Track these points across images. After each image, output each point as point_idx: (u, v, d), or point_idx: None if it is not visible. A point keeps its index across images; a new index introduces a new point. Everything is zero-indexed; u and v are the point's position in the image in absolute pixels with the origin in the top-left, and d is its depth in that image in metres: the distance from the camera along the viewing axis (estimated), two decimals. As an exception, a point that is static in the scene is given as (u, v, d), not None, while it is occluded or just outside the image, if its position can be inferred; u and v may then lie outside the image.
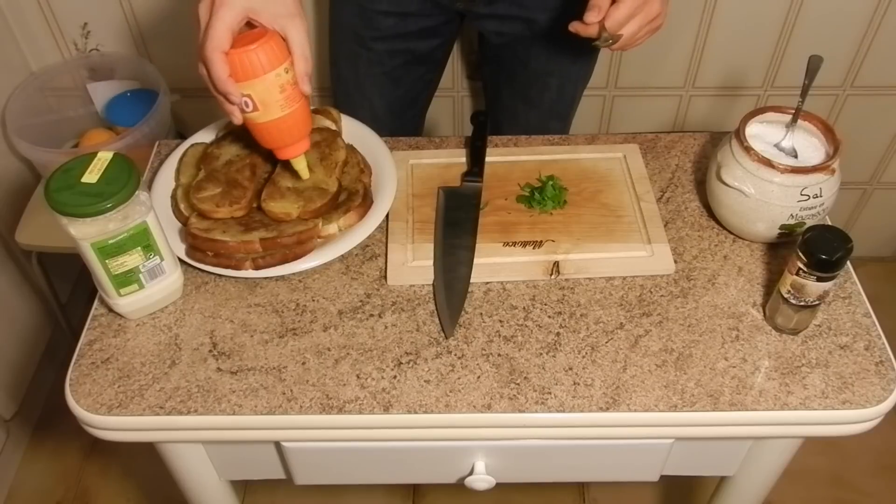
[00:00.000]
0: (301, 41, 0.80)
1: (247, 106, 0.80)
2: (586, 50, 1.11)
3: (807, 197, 0.83)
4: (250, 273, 0.86)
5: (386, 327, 0.84)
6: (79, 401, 0.78)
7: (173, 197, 0.94)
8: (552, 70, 1.20)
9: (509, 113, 1.30)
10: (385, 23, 1.16)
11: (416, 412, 0.77)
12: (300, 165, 0.88)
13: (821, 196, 0.83)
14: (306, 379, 0.79)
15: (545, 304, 0.85)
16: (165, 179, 0.96)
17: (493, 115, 1.38)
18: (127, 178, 0.75)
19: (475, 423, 0.77)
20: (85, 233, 0.75)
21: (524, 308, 0.85)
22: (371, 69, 1.22)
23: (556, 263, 0.88)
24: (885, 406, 0.77)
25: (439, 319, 0.84)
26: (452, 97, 1.65)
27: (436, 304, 0.85)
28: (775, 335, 0.83)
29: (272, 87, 0.79)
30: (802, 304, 0.78)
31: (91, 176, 0.75)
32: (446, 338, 0.82)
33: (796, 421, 0.77)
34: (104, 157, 0.77)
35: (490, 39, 1.21)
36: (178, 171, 0.97)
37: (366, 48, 1.19)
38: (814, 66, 0.84)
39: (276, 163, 0.94)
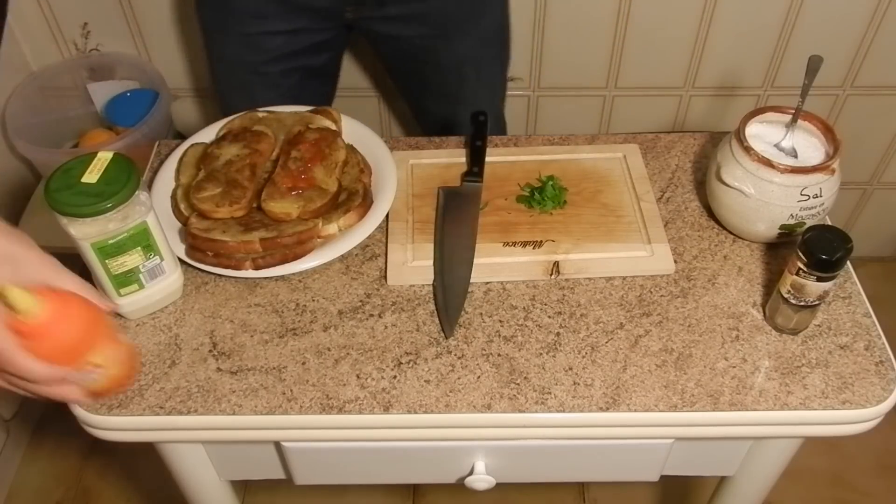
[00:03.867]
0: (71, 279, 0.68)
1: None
2: (492, 29, 1.07)
3: (807, 197, 0.83)
4: (250, 273, 0.86)
5: (386, 327, 0.84)
6: (79, 401, 0.78)
7: (173, 197, 0.94)
8: (463, 57, 1.17)
9: (439, 118, 1.27)
10: (273, 43, 1.14)
11: (416, 412, 0.77)
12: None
13: (821, 196, 0.83)
14: (306, 379, 0.79)
15: (545, 304, 0.85)
16: (165, 179, 0.96)
17: (424, 128, 1.33)
18: (127, 178, 0.75)
19: (475, 423, 0.77)
20: (85, 233, 0.75)
21: (524, 308, 0.85)
22: (266, 94, 1.19)
23: (556, 263, 0.88)
24: (885, 406, 0.77)
25: (439, 319, 0.84)
26: (452, 97, 1.64)
27: (436, 304, 0.85)
28: (775, 335, 0.83)
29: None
30: (802, 304, 0.78)
31: (91, 176, 0.75)
32: (446, 338, 0.82)
33: (796, 421, 0.77)
34: (104, 157, 0.77)
35: (391, 46, 1.19)
36: (178, 171, 0.97)
37: (258, 74, 1.17)
38: (814, 66, 0.84)
39: (276, 163, 0.94)
